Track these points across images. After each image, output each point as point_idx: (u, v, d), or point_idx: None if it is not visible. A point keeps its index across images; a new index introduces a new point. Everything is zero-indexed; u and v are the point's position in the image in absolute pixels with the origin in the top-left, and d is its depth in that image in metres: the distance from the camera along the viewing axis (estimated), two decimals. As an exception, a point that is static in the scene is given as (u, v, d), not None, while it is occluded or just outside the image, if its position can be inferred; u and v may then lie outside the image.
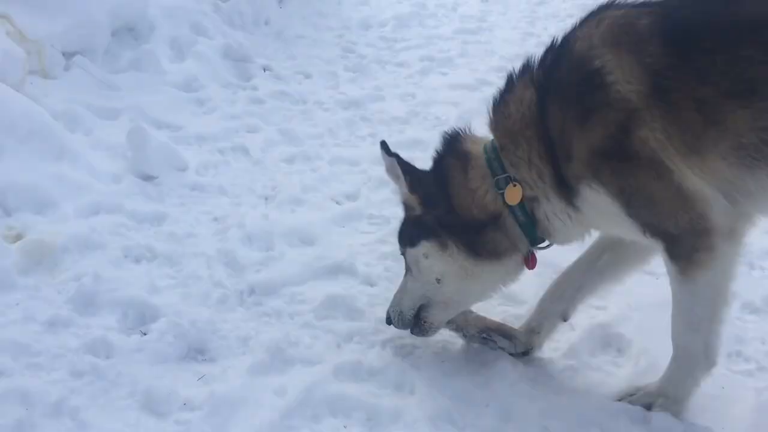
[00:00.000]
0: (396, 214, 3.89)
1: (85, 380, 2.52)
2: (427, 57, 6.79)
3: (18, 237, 3.21)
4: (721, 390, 2.72)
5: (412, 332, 2.82)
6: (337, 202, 4.11)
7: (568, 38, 2.50)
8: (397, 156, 2.76)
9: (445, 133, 2.77)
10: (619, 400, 2.65)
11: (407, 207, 2.79)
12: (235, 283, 3.20)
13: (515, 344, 2.85)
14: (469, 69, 6.56)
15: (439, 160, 2.74)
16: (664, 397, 2.59)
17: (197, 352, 2.77)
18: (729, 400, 2.68)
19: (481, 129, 2.78)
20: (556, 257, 3.47)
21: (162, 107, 4.90)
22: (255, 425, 2.38)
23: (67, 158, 3.83)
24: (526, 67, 2.61)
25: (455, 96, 5.85)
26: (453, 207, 2.65)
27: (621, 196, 2.37)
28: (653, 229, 2.39)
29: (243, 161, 4.48)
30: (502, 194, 2.57)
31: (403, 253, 2.82)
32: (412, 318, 2.78)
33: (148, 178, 3.99)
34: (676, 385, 2.58)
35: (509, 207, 2.58)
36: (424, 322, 2.77)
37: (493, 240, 2.63)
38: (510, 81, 2.64)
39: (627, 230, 2.48)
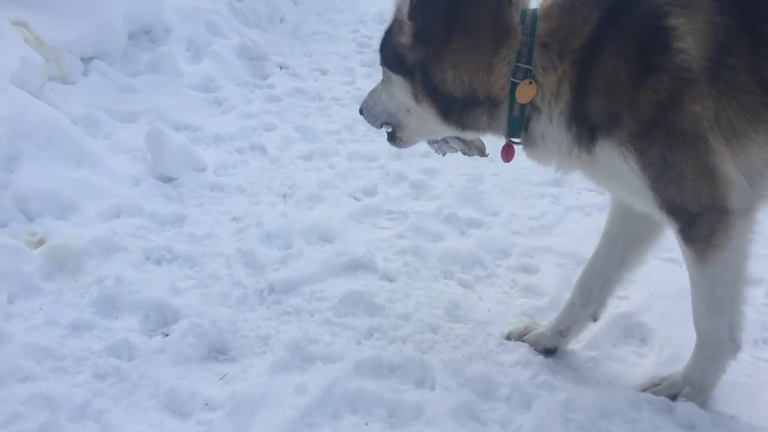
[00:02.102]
0: (414, 208, 3.92)
1: (108, 382, 2.55)
2: (443, 49, 6.75)
3: (40, 242, 3.26)
4: (747, 378, 2.68)
5: (389, 141, 2.76)
6: (355, 198, 4.10)
7: None
8: None
9: None
10: (644, 391, 2.62)
11: (396, 26, 2.43)
12: (255, 282, 3.21)
13: (469, 149, 2.73)
14: (486, 59, 6.51)
15: (471, 8, 2.33)
16: (690, 386, 2.56)
17: (218, 352, 2.79)
18: (756, 388, 2.65)
19: None
20: (577, 247, 3.47)
21: (180, 108, 4.95)
22: (276, 424, 2.38)
23: (88, 162, 3.88)
24: None
25: (472, 87, 5.80)
26: (454, 69, 2.36)
27: (651, 168, 2.26)
28: (672, 206, 2.31)
29: (261, 160, 4.50)
30: (513, 83, 2.34)
31: (380, 62, 2.59)
32: (380, 126, 2.73)
33: (167, 179, 4.02)
34: (702, 373, 2.54)
35: (511, 97, 2.36)
36: (400, 140, 2.71)
37: (473, 117, 2.44)
38: None
39: (642, 202, 2.39)
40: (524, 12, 2.36)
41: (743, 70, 2.18)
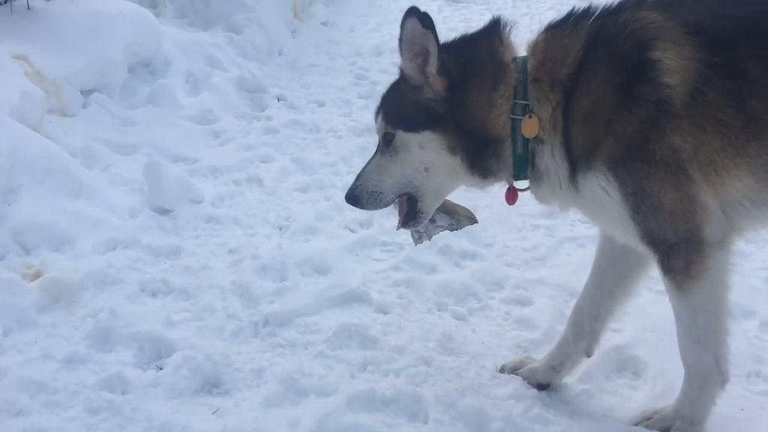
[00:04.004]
0: (408, 240, 3.93)
1: (101, 417, 2.56)
2: (439, 81, 6.82)
3: (37, 275, 3.28)
4: (740, 412, 2.68)
5: (405, 226, 2.69)
6: (351, 230, 4.12)
7: (639, 14, 2.34)
8: (433, 29, 2.40)
9: (489, 27, 2.51)
10: (636, 425, 2.63)
11: (416, 85, 2.49)
12: (250, 314, 3.22)
13: (458, 222, 2.73)
14: (482, 91, 6.57)
15: (473, 52, 2.48)
16: (681, 420, 2.56)
17: (212, 385, 2.80)
18: (748, 422, 2.65)
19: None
20: (570, 280, 3.49)
21: (178, 141, 4.98)
22: (268, 458, 2.38)
23: (85, 195, 3.92)
24: (588, 13, 2.43)
25: (468, 119, 5.85)
26: (468, 108, 2.45)
27: (632, 197, 2.32)
28: (651, 236, 2.35)
29: (257, 192, 4.53)
30: (513, 120, 2.43)
31: (387, 131, 2.58)
32: (389, 203, 2.64)
33: (164, 211, 4.05)
34: (692, 405, 2.55)
35: (513, 135, 2.45)
36: (420, 213, 2.63)
37: (489, 161, 2.50)
38: (570, 20, 2.45)
39: (623, 232, 2.44)
40: (514, 58, 2.47)
41: (726, 105, 2.23)
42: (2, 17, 4.83)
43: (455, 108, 2.45)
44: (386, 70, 7.16)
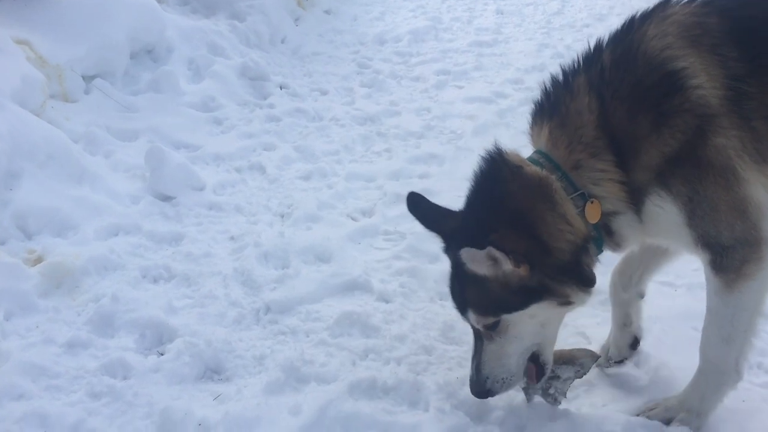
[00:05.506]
0: (411, 229, 3.92)
1: (102, 401, 2.56)
2: (442, 71, 6.81)
3: (38, 260, 3.27)
4: (741, 403, 2.67)
5: (539, 381, 2.55)
6: (353, 219, 4.12)
7: (632, 37, 2.36)
8: (492, 239, 2.26)
9: (499, 164, 2.41)
10: (638, 415, 2.62)
11: (498, 278, 2.34)
12: (252, 301, 3.23)
13: (582, 366, 2.65)
14: (485, 82, 6.56)
15: (510, 199, 2.37)
16: (686, 412, 2.55)
17: (213, 371, 2.80)
18: (749, 414, 2.64)
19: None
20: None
21: (180, 127, 4.97)
22: (269, 445, 2.39)
23: (87, 181, 3.91)
24: (574, 71, 2.44)
25: (471, 109, 5.84)
26: (550, 247, 2.33)
27: (688, 205, 2.29)
28: (708, 239, 2.32)
29: (259, 179, 4.52)
30: (580, 212, 2.37)
31: (487, 322, 2.43)
32: (523, 374, 2.53)
33: (166, 198, 4.05)
34: (702, 399, 2.54)
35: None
36: (545, 364, 2.52)
37: (589, 267, 2.41)
38: (562, 88, 2.44)
39: (679, 241, 2.41)
40: (533, 161, 2.43)
41: (757, 97, 2.23)
42: (5, 1, 4.81)
43: (545, 269, 2.33)
44: (389, 59, 7.16)
